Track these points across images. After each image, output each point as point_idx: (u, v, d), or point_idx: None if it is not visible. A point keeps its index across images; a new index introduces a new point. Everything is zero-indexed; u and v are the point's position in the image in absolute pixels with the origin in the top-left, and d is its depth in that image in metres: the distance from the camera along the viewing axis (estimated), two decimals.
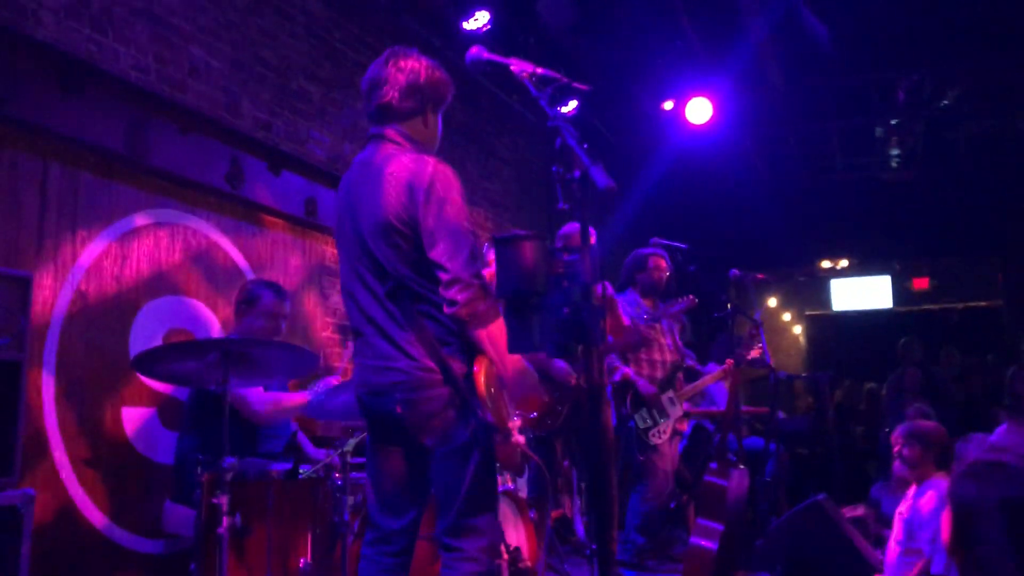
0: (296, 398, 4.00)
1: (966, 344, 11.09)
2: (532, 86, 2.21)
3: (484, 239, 7.70)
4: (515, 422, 2.81)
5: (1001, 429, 3.70)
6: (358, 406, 2.76)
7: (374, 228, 2.61)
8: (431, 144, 2.81)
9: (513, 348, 1.90)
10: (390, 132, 2.74)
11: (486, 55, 2.40)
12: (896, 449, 4.38)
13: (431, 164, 2.58)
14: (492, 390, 2.54)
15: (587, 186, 1.82)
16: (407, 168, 2.58)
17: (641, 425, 5.00)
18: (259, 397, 3.95)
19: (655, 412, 5.04)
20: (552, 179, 1.87)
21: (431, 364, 2.54)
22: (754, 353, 5.35)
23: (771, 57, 7.54)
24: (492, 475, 2.62)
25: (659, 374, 5.16)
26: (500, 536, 2.67)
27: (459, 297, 2.45)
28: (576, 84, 2.33)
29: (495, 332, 2.49)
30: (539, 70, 2.29)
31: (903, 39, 7.40)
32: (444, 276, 2.47)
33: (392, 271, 2.59)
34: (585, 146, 1.86)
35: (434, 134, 2.84)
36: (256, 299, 4.14)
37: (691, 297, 5.21)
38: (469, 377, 2.52)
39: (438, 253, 2.49)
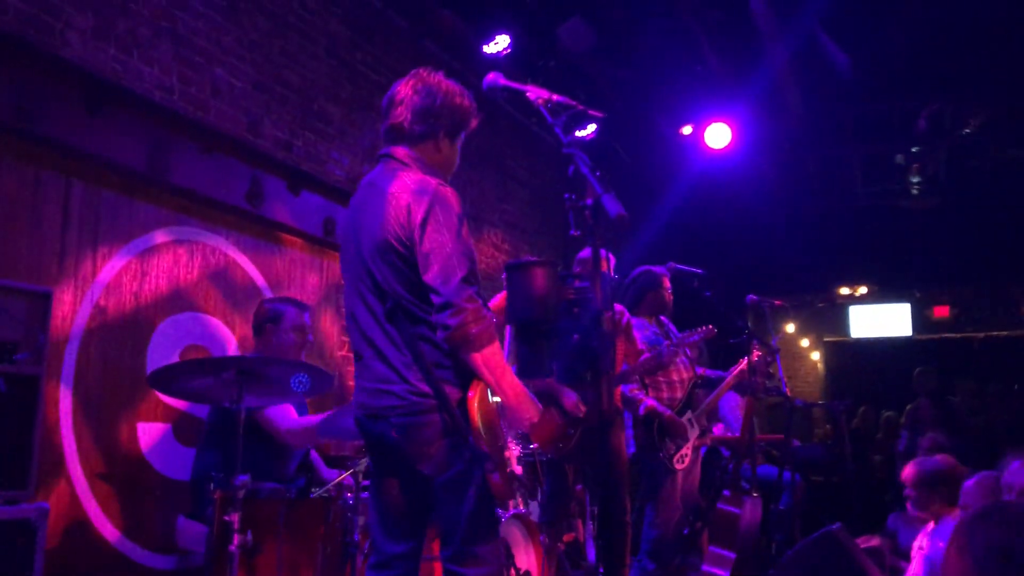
0: (319, 418, 4.00)
1: (987, 374, 10.97)
2: (548, 112, 2.22)
3: (500, 261, 7.71)
4: (513, 451, 2.75)
5: (1014, 467, 3.63)
6: (357, 428, 2.74)
7: (374, 247, 2.59)
8: (444, 170, 2.76)
9: (523, 374, 1.90)
10: (399, 153, 2.72)
11: (502, 81, 2.41)
12: (905, 491, 4.33)
13: (433, 186, 2.54)
14: (487, 417, 2.49)
15: (599, 214, 1.82)
16: (408, 189, 2.56)
17: (670, 452, 4.96)
18: (290, 424, 3.95)
19: (678, 437, 5.00)
20: (565, 206, 1.88)
21: (426, 389, 2.51)
22: (754, 358, 5.29)
23: (791, 83, 7.54)
24: (492, 504, 2.56)
25: (679, 394, 5.12)
26: (504, 563, 2.63)
27: (451, 321, 2.41)
28: (591, 111, 2.34)
29: (490, 356, 2.46)
30: (555, 97, 2.30)
31: (924, 66, 7.38)
32: (437, 300, 2.45)
33: (390, 291, 2.56)
34: (598, 174, 1.87)
35: (447, 160, 2.78)
36: (280, 315, 4.17)
37: (710, 327, 5.15)
38: (463, 403, 2.48)
39: (431, 276, 2.46)
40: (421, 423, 2.52)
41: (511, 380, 2.50)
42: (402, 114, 2.71)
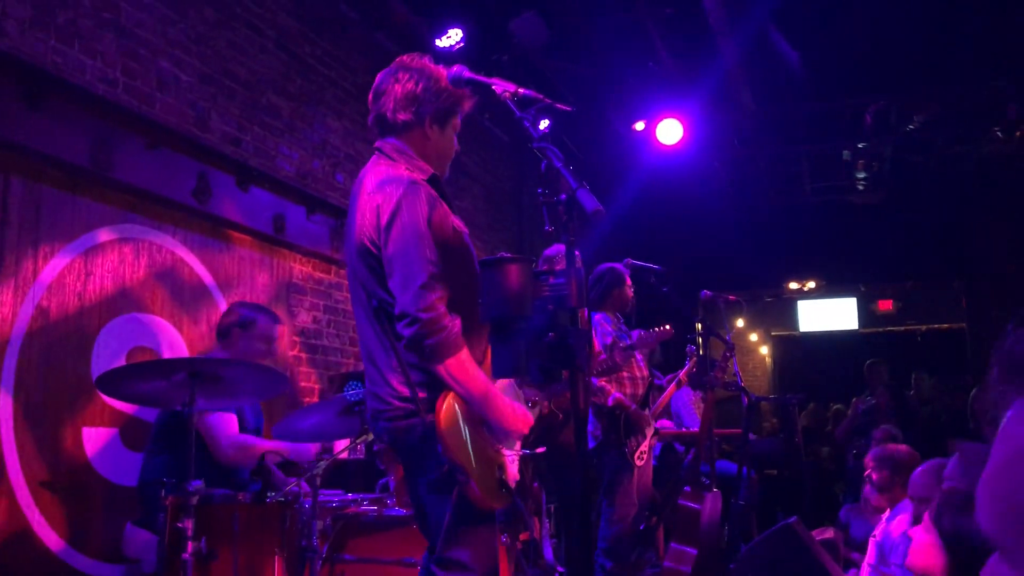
0: (271, 446, 3.90)
1: (929, 366, 11.21)
2: (515, 106, 2.15)
3: None
4: (507, 456, 2.62)
5: (952, 461, 3.72)
6: None
7: (355, 249, 2.54)
8: (435, 160, 2.64)
9: (497, 372, 1.83)
10: (386, 146, 2.63)
11: (467, 74, 2.34)
12: (867, 472, 4.40)
13: (404, 184, 2.44)
14: (461, 424, 2.40)
15: (573, 209, 1.77)
16: (381, 188, 2.46)
17: (631, 448, 4.96)
18: (231, 439, 3.85)
19: (639, 433, 5.01)
20: (538, 201, 1.82)
21: (407, 392, 2.44)
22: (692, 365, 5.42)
23: (742, 80, 7.59)
24: (476, 508, 2.45)
25: (640, 391, 5.15)
26: (491, 571, 2.52)
27: (406, 332, 2.33)
28: (558, 105, 2.28)
29: (454, 367, 2.35)
30: (521, 90, 2.23)
31: (872, 65, 7.48)
32: (396, 309, 2.37)
33: (372, 292, 2.50)
34: (571, 168, 1.82)
35: (437, 148, 2.65)
36: (252, 322, 4.06)
37: (667, 327, 5.17)
38: (433, 409, 2.39)
39: (393, 283, 2.39)
40: (403, 428, 2.47)
41: (483, 391, 2.40)
42: (385, 103, 2.60)
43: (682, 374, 5.65)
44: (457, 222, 2.57)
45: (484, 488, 2.37)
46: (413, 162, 2.58)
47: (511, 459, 2.55)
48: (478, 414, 2.44)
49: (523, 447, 4.51)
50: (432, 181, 2.56)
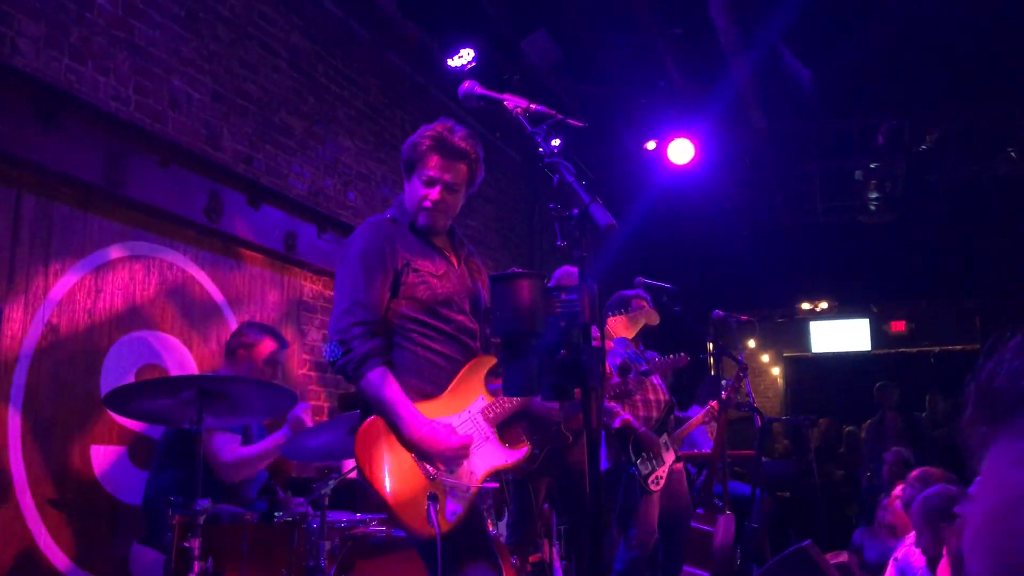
0: (262, 446, 3.87)
1: (943, 387, 11.11)
2: (526, 121, 2.15)
3: None
4: (451, 492, 2.58)
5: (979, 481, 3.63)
6: None
7: None
8: (411, 208, 2.84)
9: (509, 390, 1.81)
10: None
11: (479, 90, 2.34)
12: (900, 488, 4.33)
13: (361, 227, 2.76)
14: (377, 442, 2.48)
15: (585, 224, 1.75)
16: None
17: (644, 471, 4.89)
18: (229, 458, 3.82)
19: (653, 458, 4.93)
20: (549, 217, 1.80)
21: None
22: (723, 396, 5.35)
23: (753, 99, 7.56)
24: (450, 539, 2.45)
25: (655, 414, 5.08)
26: None
27: (325, 355, 2.56)
28: (570, 120, 2.27)
29: (366, 387, 2.49)
30: (533, 106, 2.23)
31: (884, 83, 7.45)
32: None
33: None
34: (584, 183, 1.80)
35: (409, 198, 2.86)
36: (254, 344, 4.05)
37: (682, 355, 5.13)
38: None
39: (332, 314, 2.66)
40: None
41: (396, 411, 2.49)
42: None
43: (707, 408, 5.57)
44: (420, 263, 2.71)
45: (405, 512, 2.38)
46: (400, 210, 2.84)
47: (456, 491, 2.52)
48: (402, 436, 2.51)
49: (530, 467, 4.46)
50: (411, 227, 2.79)
